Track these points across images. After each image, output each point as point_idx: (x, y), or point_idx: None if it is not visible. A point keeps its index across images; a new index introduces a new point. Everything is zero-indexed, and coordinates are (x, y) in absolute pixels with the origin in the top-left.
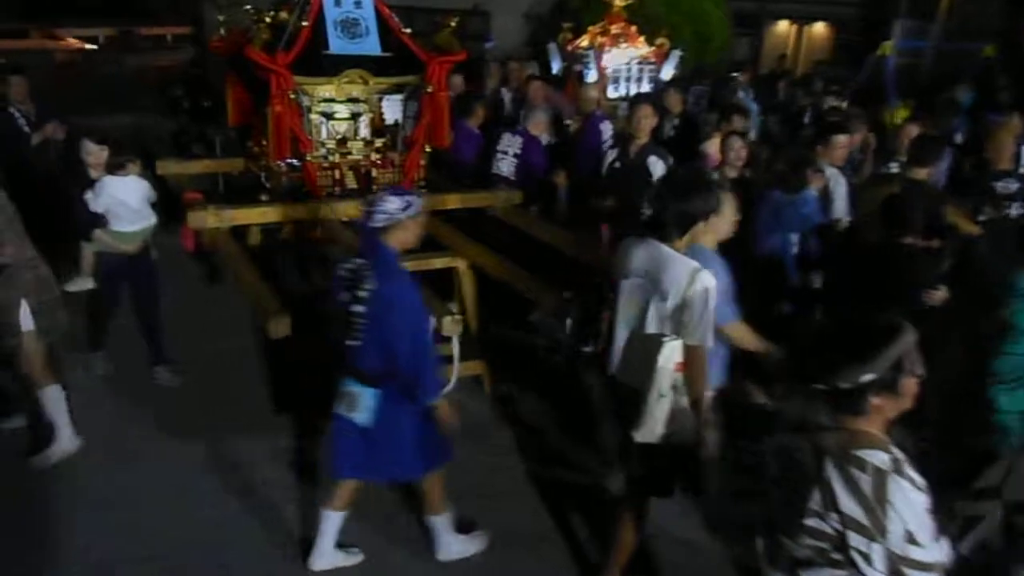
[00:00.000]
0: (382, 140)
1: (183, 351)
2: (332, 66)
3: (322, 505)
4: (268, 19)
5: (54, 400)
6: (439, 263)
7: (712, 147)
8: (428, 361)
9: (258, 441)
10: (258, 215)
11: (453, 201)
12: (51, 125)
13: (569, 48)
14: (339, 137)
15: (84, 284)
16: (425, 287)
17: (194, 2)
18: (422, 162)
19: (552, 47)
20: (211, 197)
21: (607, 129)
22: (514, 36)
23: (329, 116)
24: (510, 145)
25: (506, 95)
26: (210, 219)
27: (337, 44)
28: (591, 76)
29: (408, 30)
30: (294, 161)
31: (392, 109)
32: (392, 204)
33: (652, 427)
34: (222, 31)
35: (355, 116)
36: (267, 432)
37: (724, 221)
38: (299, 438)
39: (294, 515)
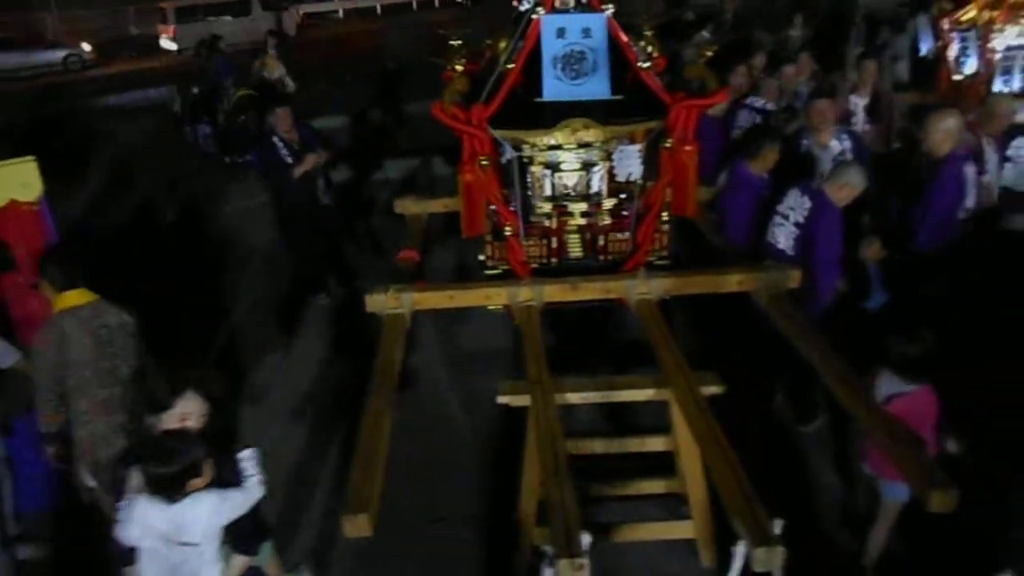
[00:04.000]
0: (613, 200)
1: None
2: (548, 114)
3: None
4: (460, 66)
5: None
6: (636, 393)
7: None
8: None
9: None
10: (445, 299)
11: (693, 284)
12: (311, 157)
13: (945, 23)
14: (566, 193)
15: None
16: None
17: None
18: (664, 230)
19: (922, 20)
20: None
21: (970, 176)
22: None
23: (554, 167)
24: (794, 207)
25: (858, 104)
26: (389, 302)
27: (554, 87)
28: (970, 65)
29: (647, 64)
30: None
31: (626, 162)
32: None
33: None
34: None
35: (587, 167)
36: None
37: None
38: None
39: None
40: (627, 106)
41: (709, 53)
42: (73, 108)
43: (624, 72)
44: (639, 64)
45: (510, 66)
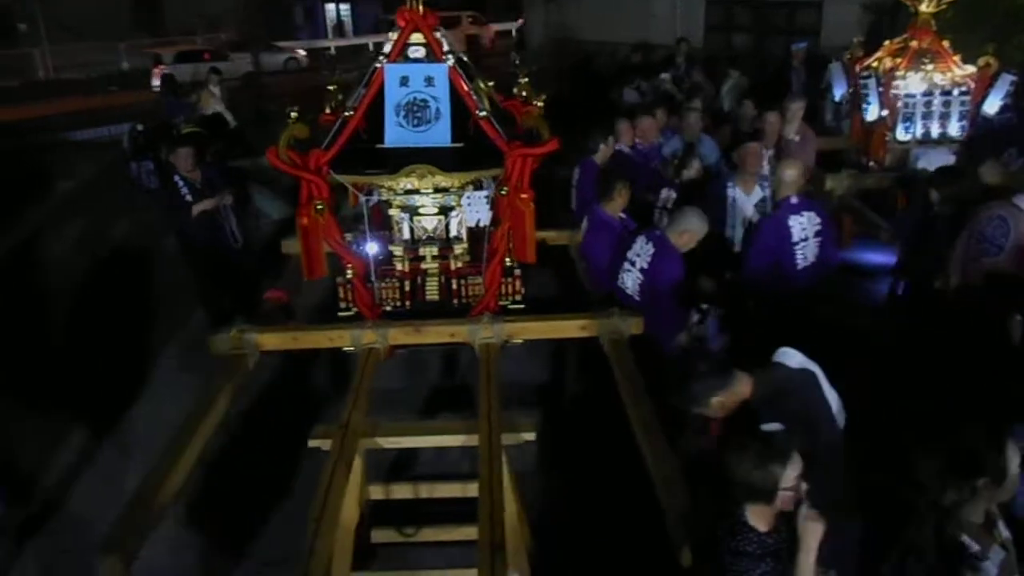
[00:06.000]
0: (462, 245)
1: None
2: (391, 161)
3: None
4: (294, 114)
5: None
6: (448, 439)
7: None
8: None
9: None
10: (289, 340)
11: (536, 329)
12: (212, 200)
13: (858, 68)
14: (424, 237)
15: None
16: None
17: None
18: (516, 274)
19: (835, 67)
20: None
21: (803, 226)
22: (852, 31)
23: (413, 212)
24: (639, 253)
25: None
26: (232, 343)
27: (396, 134)
28: (872, 111)
29: (483, 112)
30: None
31: (475, 207)
32: None
33: None
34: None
35: (445, 211)
36: None
37: None
38: None
39: None
40: (469, 153)
41: (539, 103)
42: None
43: (467, 120)
44: (479, 113)
45: (349, 113)
